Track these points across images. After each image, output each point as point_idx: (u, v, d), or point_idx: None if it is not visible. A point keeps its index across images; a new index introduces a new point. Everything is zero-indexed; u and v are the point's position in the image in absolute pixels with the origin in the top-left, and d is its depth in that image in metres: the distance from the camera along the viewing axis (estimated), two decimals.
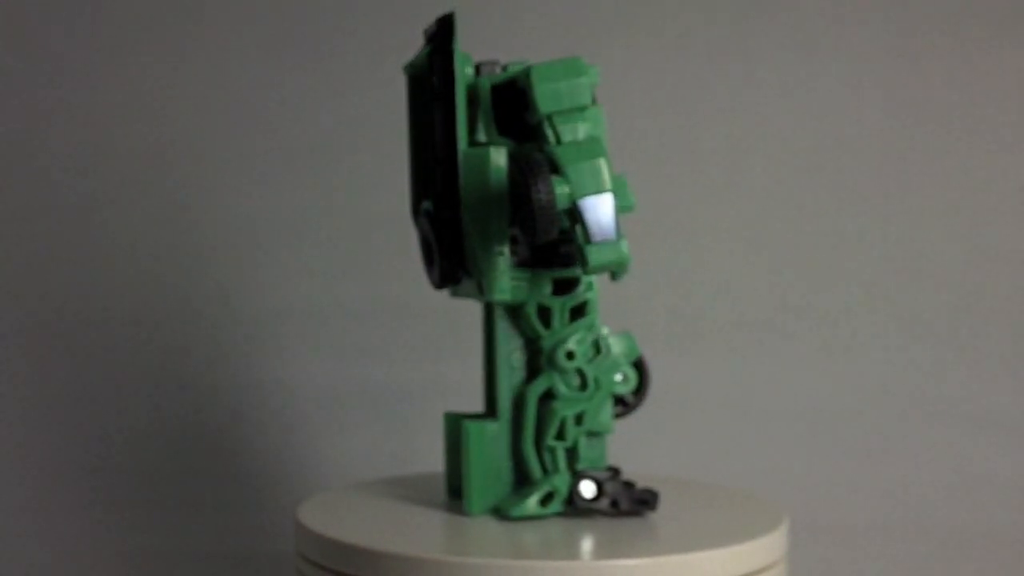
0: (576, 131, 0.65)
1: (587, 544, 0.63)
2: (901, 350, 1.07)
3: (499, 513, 0.69)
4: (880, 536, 1.05)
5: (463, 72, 0.68)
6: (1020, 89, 1.07)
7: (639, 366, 0.71)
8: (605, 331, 0.70)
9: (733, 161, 1.07)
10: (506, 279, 0.67)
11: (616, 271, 0.67)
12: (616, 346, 0.70)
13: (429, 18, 0.70)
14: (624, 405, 0.72)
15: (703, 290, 1.07)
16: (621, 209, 0.66)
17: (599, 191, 0.64)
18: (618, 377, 0.70)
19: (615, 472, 0.73)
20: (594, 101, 0.67)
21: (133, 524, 1.08)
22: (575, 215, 0.64)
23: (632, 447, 0.84)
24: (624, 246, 0.64)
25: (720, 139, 1.07)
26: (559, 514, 0.69)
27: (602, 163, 0.64)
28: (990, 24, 1.06)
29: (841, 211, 1.07)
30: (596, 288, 0.70)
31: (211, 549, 1.07)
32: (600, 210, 0.64)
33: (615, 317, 0.77)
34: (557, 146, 0.65)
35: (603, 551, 0.62)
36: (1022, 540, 1.05)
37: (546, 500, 0.68)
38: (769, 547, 0.65)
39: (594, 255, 0.64)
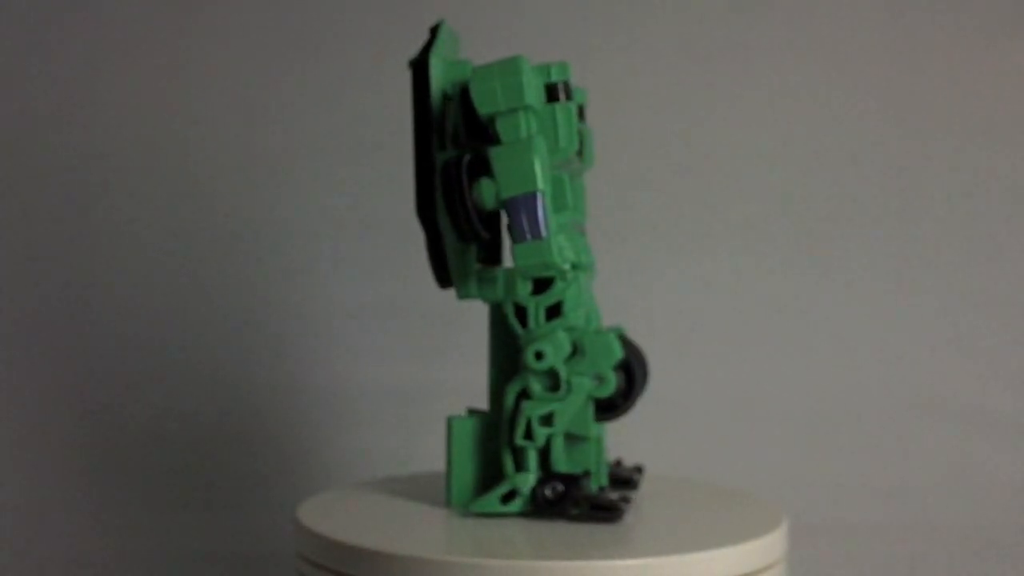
0: (517, 131, 0.65)
1: (585, 544, 0.63)
2: (901, 350, 1.07)
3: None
4: (880, 536, 1.05)
5: (440, 79, 0.68)
6: (1020, 89, 1.07)
7: (627, 368, 0.69)
8: (594, 331, 0.69)
9: (733, 161, 1.07)
10: (471, 278, 0.69)
11: (548, 272, 0.67)
12: (595, 347, 0.68)
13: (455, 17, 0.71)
14: (613, 408, 0.70)
15: (703, 290, 1.07)
16: (555, 208, 0.66)
17: (527, 190, 0.64)
18: (595, 380, 0.68)
19: (639, 471, 0.74)
20: (569, 96, 0.67)
21: (133, 524, 1.08)
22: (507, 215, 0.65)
23: (632, 447, 0.84)
24: (553, 246, 0.65)
25: (720, 139, 1.08)
26: (521, 513, 0.68)
27: (533, 163, 0.64)
28: (990, 24, 1.06)
29: (841, 211, 1.07)
30: (578, 287, 0.69)
31: (211, 549, 1.07)
32: (527, 210, 0.64)
33: (615, 318, 0.77)
34: (493, 147, 0.66)
35: (601, 551, 0.62)
36: (1022, 540, 1.05)
37: (508, 498, 0.68)
38: (768, 547, 0.65)
39: (519, 255, 0.65)
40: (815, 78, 1.07)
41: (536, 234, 0.64)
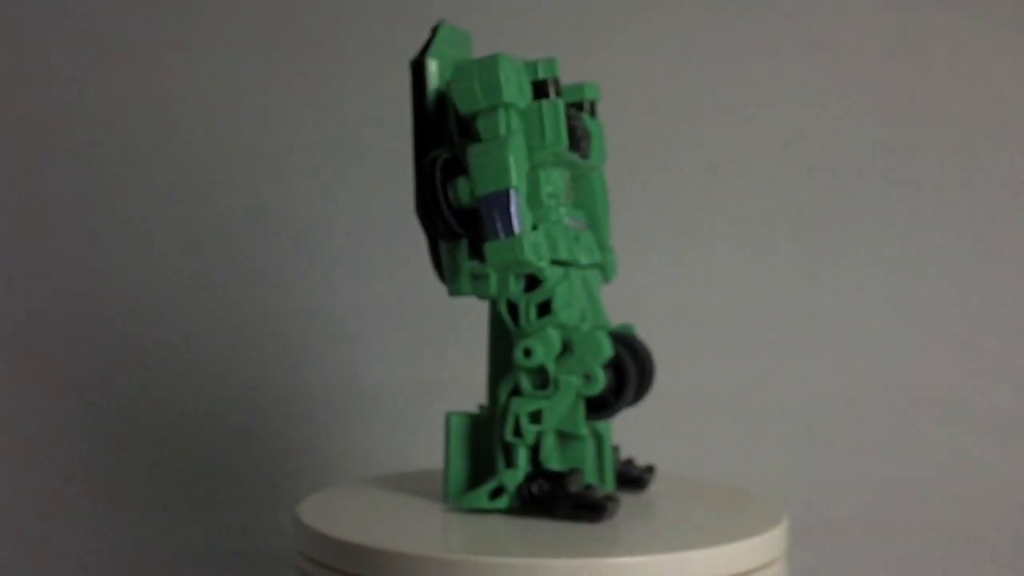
0: (496, 128, 0.66)
1: (586, 542, 0.63)
2: (901, 349, 1.07)
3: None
4: (880, 535, 1.05)
5: (438, 79, 0.69)
6: (1020, 89, 1.07)
7: (619, 367, 0.69)
8: (585, 329, 0.68)
9: (733, 161, 1.08)
10: (463, 275, 0.69)
11: (522, 269, 0.67)
12: (583, 345, 0.67)
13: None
14: (606, 406, 0.69)
15: (703, 290, 1.07)
16: (530, 205, 0.66)
17: (499, 188, 0.64)
18: (584, 379, 0.68)
19: (650, 471, 0.74)
20: (558, 93, 0.67)
21: (133, 524, 1.08)
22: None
23: (632, 445, 0.84)
24: (526, 243, 0.65)
25: (721, 139, 1.08)
26: (509, 510, 0.68)
27: (507, 160, 0.65)
28: (991, 24, 1.06)
29: (841, 211, 1.07)
30: (570, 284, 0.69)
31: (211, 549, 1.07)
32: (499, 207, 0.65)
33: (616, 316, 0.77)
34: (472, 144, 0.66)
35: (603, 549, 0.62)
36: (1022, 539, 1.05)
37: (495, 494, 0.68)
38: (768, 545, 0.65)
39: (491, 252, 0.65)
40: (818, 78, 1.07)
41: (508, 231, 0.65)
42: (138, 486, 1.08)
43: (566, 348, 0.68)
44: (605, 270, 0.75)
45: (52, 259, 1.09)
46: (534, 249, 0.65)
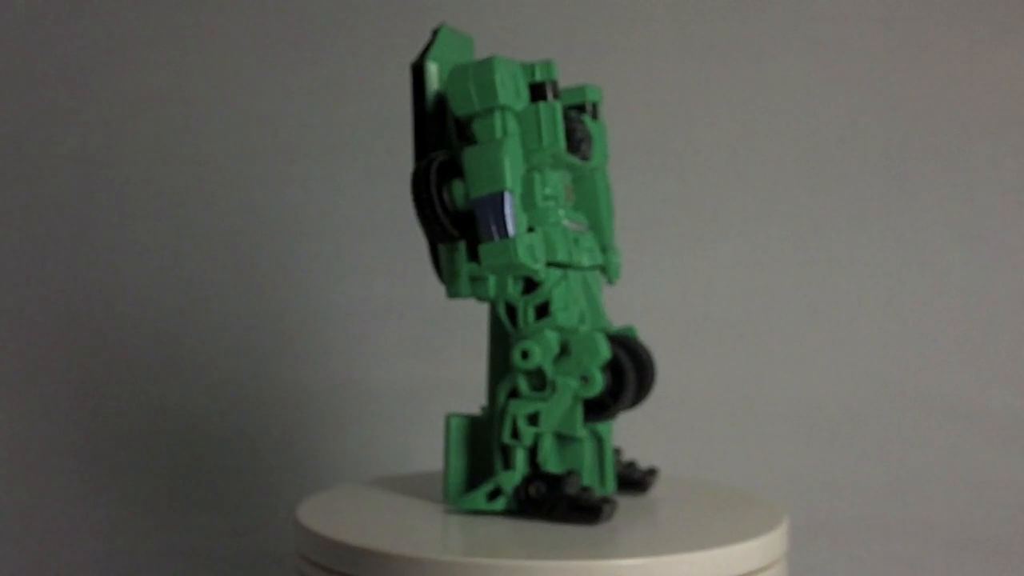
0: (492, 131, 0.66)
1: (585, 544, 0.63)
2: (901, 350, 1.07)
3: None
4: (880, 535, 1.05)
5: (437, 81, 0.69)
6: (1020, 89, 1.07)
7: (617, 369, 0.68)
8: (583, 331, 0.68)
9: (734, 161, 1.07)
10: (461, 277, 0.69)
11: (517, 272, 0.67)
12: (580, 347, 0.67)
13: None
14: (603, 408, 0.68)
15: (703, 290, 1.07)
16: (524, 207, 0.66)
17: (494, 190, 0.64)
18: (581, 381, 0.67)
19: (652, 473, 0.73)
20: (556, 95, 0.67)
21: (132, 524, 1.08)
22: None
23: (632, 446, 0.84)
24: (519, 245, 0.64)
25: (721, 139, 1.08)
26: (508, 511, 0.68)
27: (502, 162, 0.65)
28: (990, 24, 1.06)
29: (841, 211, 1.07)
30: (567, 286, 0.69)
31: (211, 549, 1.07)
32: (493, 210, 0.65)
33: (616, 318, 0.77)
34: (467, 147, 0.66)
35: (601, 551, 0.62)
36: (1022, 540, 1.05)
37: (493, 496, 0.68)
38: (769, 546, 0.65)
39: (485, 255, 0.65)
40: (818, 78, 1.07)
41: (503, 233, 0.65)
42: (138, 487, 1.08)
43: (564, 350, 0.68)
44: (608, 271, 0.75)
45: (52, 259, 1.09)
46: (528, 251, 0.65)
